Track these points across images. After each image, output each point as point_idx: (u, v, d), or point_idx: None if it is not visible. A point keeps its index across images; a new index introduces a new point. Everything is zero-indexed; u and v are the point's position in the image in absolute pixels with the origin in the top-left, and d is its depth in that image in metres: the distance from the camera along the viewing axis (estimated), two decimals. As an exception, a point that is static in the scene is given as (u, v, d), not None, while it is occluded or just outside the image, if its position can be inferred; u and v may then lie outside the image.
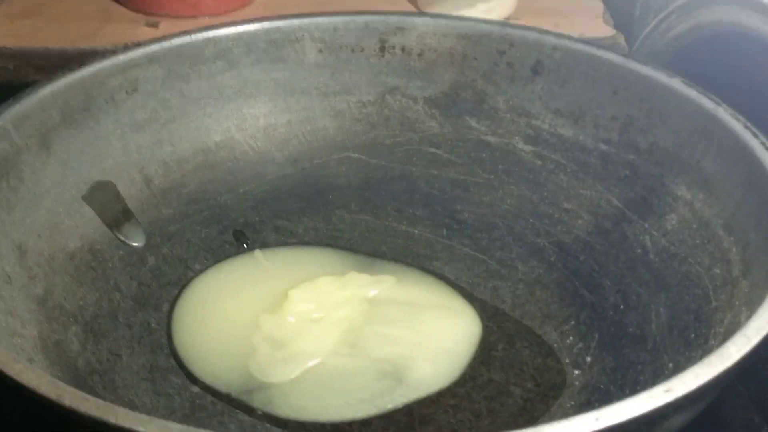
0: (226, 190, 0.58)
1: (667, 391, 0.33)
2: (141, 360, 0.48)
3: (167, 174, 0.56)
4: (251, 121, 0.59)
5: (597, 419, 0.31)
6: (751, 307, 0.40)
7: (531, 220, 0.56)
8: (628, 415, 0.32)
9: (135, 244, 0.53)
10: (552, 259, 0.54)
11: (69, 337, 0.46)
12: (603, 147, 0.55)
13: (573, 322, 0.51)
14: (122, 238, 0.52)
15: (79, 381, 0.44)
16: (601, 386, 0.46)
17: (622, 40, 0.72)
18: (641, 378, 0.45)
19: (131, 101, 0.55)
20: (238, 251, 0.56)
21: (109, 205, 0.53)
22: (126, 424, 0.30)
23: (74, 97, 0.52)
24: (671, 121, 0.52)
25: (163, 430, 0.30)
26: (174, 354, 0.49)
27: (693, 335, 0.45)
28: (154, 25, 0.74)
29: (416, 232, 0.58)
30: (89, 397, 0.31)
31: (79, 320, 0.47)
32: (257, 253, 0.55)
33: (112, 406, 0.31)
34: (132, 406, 0.44)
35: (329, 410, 0.46)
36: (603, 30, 0.74)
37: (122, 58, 0.54)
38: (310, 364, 0.48)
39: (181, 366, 0.48)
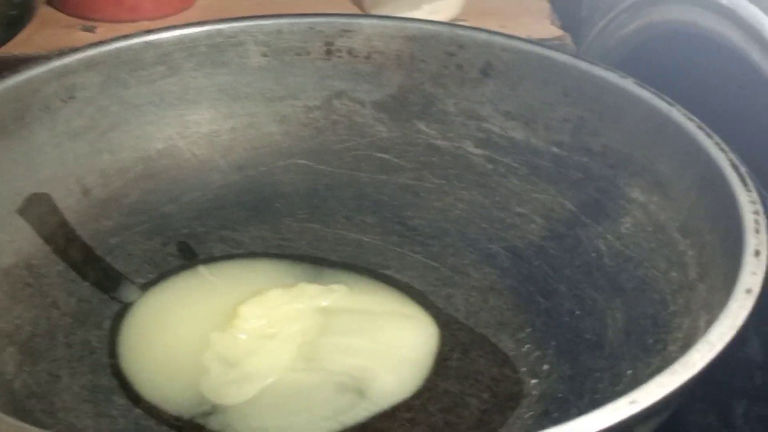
0: (168, 200, 0.56)
1: (632, 402, 0.32)
2: (82, 380, 0.45)
3: (107, 184, 0.54)
4: (194, 128, 0.57)
5: (561, 434, 0.30)
6: (710, 311, 0.40)
7: (483, 225, 0.55)
8: (593, 429, 0.31)
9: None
10: (505, 264, 0.53)
11: (4, 358, 0.43)
12: (555, 150, 0.54)
13: (529, 330, 0.50)
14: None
15: (16, 405, 0.41)
16: (560, 395, 0.45)
17: (569, 40, 0.72)
18: (599, 386, 0.44)
19: (68, 109, 0.53)
20: (183, 264, 0.54)
21: (46, 218, 0.50)
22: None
23: (7, 106, 0.50)
24: (624, 122, 0.51)
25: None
26: (117, 374, 0.46)
27: (651, 341, 0.44)
28: (91, 30, 0.72)
29: (366, 239, 0.56)
30: (25, 425, 0.29)
31: (15, 340, 0.45)
32: (201, 269, 0.53)
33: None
34: (73, 430, 0.42)
35: (291, 430, 0.44)
36: (550, 31, 0.73)
37: (57, 63, 0.52)
38: (267, 382, 0.46)
39: (124, 386, 0.46)
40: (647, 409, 0.32)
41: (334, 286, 0.52)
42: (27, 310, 0.47)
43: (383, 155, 0.58)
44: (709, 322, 0.37)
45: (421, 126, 0.58)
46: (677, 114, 0.48)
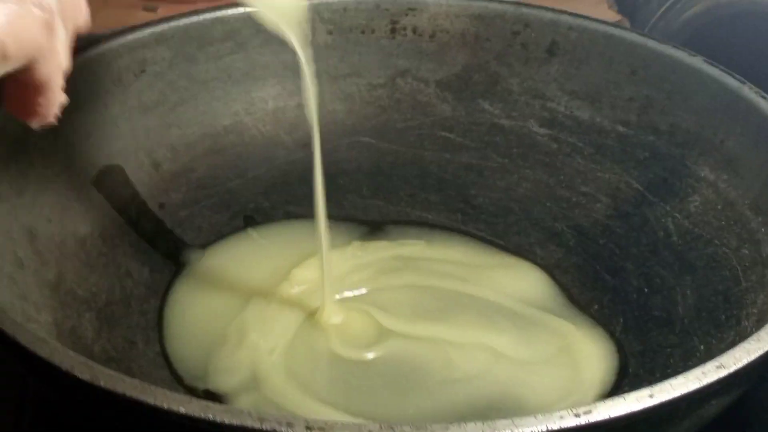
0: (235, 175, 0.56)
1: (719, 366, 0.32)
2: (156, 348, 0.46)
3: (175, 158, 0.55)
4: (260, 105, 0.58)
5: (651, 395, 0.30)
6: (787, 285, 0.40)
7: (548, 204, 0.55)
8: (683, 390, 0.31)
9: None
10: (571, 243, 0.53)
11: (83, 323, 0.44)
12: (621, 129, 0.54)
13: (596, 307, 0.50)
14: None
15: (96, 368, 0.42)
16: (630, 370, 0.45)
17: (627, 24, 0.72)
18: (671, 361, 0.44)
19: (139, 83, 0.53)
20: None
21: (119, 190, 0.51)
22: (165, 405, 0.29)
23: (81, 79, 0.50)
24: (693, 100, 0.51)
25: (204, 410, 0.29)
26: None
27: (723, 317, 0.44)
28: (153, 10, 0.72)
29: (430, 217, 0.56)
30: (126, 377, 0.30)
31: (92, 307, 0.45)
32: (250, 231, 0.54)
33: (151, 386, 0.29)
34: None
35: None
36: (608, 15, 0.73)
37: (130, 37, 0.53)
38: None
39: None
40: (734, 374, 0.32)
41: (408, 240, 0.52)
42: (102, 279, 0.47)
43: (447, 134, 0.58)
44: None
45: (485, 105, 0.58)
46: (748, 91, 0.48)
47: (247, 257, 0.53)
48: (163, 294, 0.49)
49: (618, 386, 0.45)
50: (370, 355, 0.45)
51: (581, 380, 0.44)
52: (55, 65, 0.33)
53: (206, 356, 0.45)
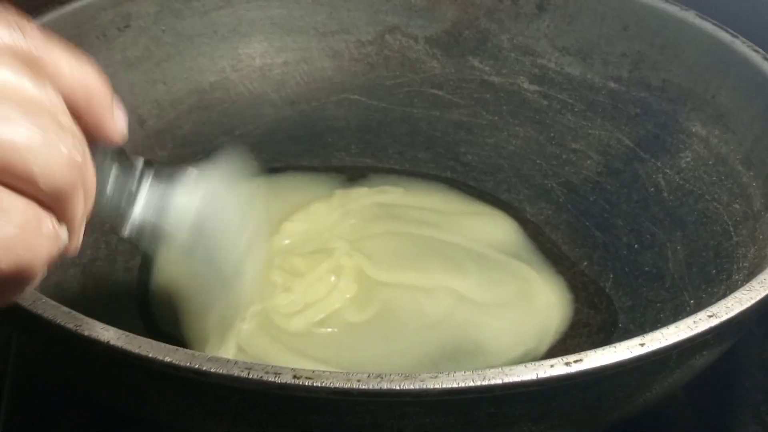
0: (221, 132, 0.56)
1: (710, 316, 0.32)
2: (141, 304, 0.46)
3: (161, 115, 0.54)
4: (247, 61, 0.57)
5: (642, 344, 0.30)
6: (778, 239, 0.39)
7: (538, 161, 0.55)
8: (674, 339, 0.30)
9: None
10: (561, 200, 0.53)
11: (68, 279, 0.44)
12: (612, 85, 0.53)
13: (586, 263, 0.50)
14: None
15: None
16: (620, 325, 0.45)
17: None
18: (661, 316, 0.44)
19: (123, 38, 0.52)
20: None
21: (103, 146, 0.50)
22: (149, 354, 0.28)
23: (64, 33, 0.49)
24: (685, 55, 0.50)
25: (190, 359, 0.28)
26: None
27: (714, 271, 0.44)
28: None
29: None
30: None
31: (77, 262, 0.45)
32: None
33: (136, 337, 0.29)
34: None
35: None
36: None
37: (114, -9, 0.52)
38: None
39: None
40: (726, 323, 0.32)
41: (387, 188, 0.52)
42: (87, 234, 0.47)
43: (436, 91, 0.57)
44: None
45: (475, 62, 0.57)
46: (741, 45, 0.47)
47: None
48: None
49: (607, 341, 0.44)
50: (362, 310, 0.45)
51: (537, 328, 0.46)
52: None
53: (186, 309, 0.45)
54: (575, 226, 0.51)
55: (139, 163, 0.32)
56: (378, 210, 0.52)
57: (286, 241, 0.50)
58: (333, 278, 0.47)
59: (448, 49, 0.58)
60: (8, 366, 0.44)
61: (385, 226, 0.51)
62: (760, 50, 0.47)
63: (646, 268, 0.47)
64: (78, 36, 0.50)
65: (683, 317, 0.32)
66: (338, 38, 0.58)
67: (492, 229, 0.52)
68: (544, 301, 0.47)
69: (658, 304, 0.45)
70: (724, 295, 0.36)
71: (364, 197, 0.53)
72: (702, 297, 0.43)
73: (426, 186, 0.55)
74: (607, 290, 0.48)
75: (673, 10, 0.51)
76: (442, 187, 0.55)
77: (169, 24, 0.54)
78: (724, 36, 0.48)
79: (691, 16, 0.50)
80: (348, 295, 0.47)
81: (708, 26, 0.49)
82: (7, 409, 0.42)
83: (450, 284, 0.47)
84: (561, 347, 0.45)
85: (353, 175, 0.55)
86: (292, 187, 0.54)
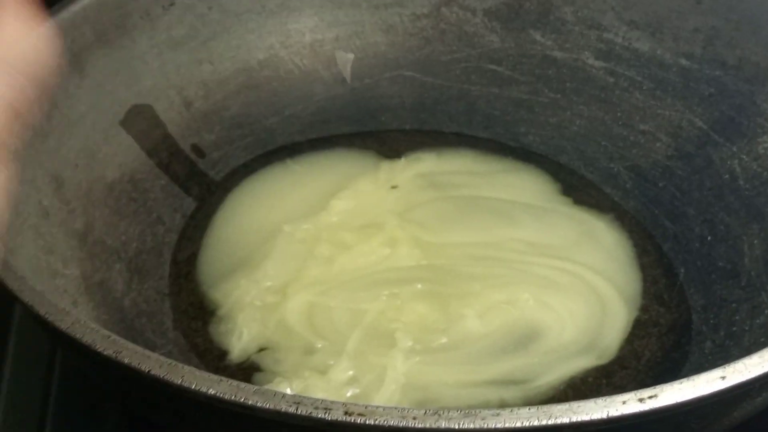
0: (271, 113, 0.54)
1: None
2: (190, 298, 0.44)
3: (208, 96, 0.52)
4: (296, 37, 0.54)
5: (723, 377, 0.27)
6: None
7: (603, 143, 0.52)
8: (758, 372, 0.28)
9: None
10: (628, 185, 0.50)
11: (113, 275, 0.42)
12: (684, 62, 0.50)
13: (654, 255, 0.47)
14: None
15: (126, 324, 0.40)
16: (692, 326, 0.43)
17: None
18: (736, 318, 0.41)
19: (168, 17, 0.50)
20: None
21: (149, 131, 0.49)
22: (192, 385, 0.27)
23: (107, 13, 0.48)
24: (763, 32, 0.47)
25: (234, 391, 0.27)
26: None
27: (795, 271, 0.41)
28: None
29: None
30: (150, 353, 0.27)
31: (122, 257, 0.44)
32: (288, 161, 0.53)
33: (177, 365, 0.27)
34: (184, 350, 0.41)
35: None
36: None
37: (158, -33, 0.49)
38: None
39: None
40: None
41: (421, 155, 0.53)
42: (132, 226, 0.45)
43: (495, 67, 0.55)
44: None
45: (537, 36, 0.54)
46: (828, 22, 0.44)
47: (285, 188, 0.51)
48: (199, 240, 0.47)
49: (678, 344, 0.42)
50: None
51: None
52: None
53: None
54: (643, 214, 0.49)
55: None
56: (421, 181, 0.51)
57: (335, 218, 0.49)
58: (388, 251, 0.46)
59: (507, 22, 0.54)
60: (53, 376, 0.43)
61: (429, 194, 0.50)
62: None
63: (720, 263, 0.44)
64: (121, 16, 0.48)
65: (761, 321, 0.30)
66: (392, 11, 0.55)
67: (529, 181, 0.51)
68: (610, 240, 0.48)
69: (734, 305, 0.42)
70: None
71: (406, 170, 0.52)
72: (781, 299, 0.40)
73: (456, 150, 0.54)
74: (677, 286, 0.45)
75: (753, -18, 0.47)
76: (470, 149, 0.54)
77: (216, 0, 0.52)
78: (809, 12, 0.45)
79: (772, -10, 0.47)
80: (412, 263, 0.46)
81: (791, 1, 0.46)
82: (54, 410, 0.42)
83: (513, 235, 0.48)
84: (629, 349, 0.42)
85: (380, 142, 0.54)
86: (343, 165, 0.52)
